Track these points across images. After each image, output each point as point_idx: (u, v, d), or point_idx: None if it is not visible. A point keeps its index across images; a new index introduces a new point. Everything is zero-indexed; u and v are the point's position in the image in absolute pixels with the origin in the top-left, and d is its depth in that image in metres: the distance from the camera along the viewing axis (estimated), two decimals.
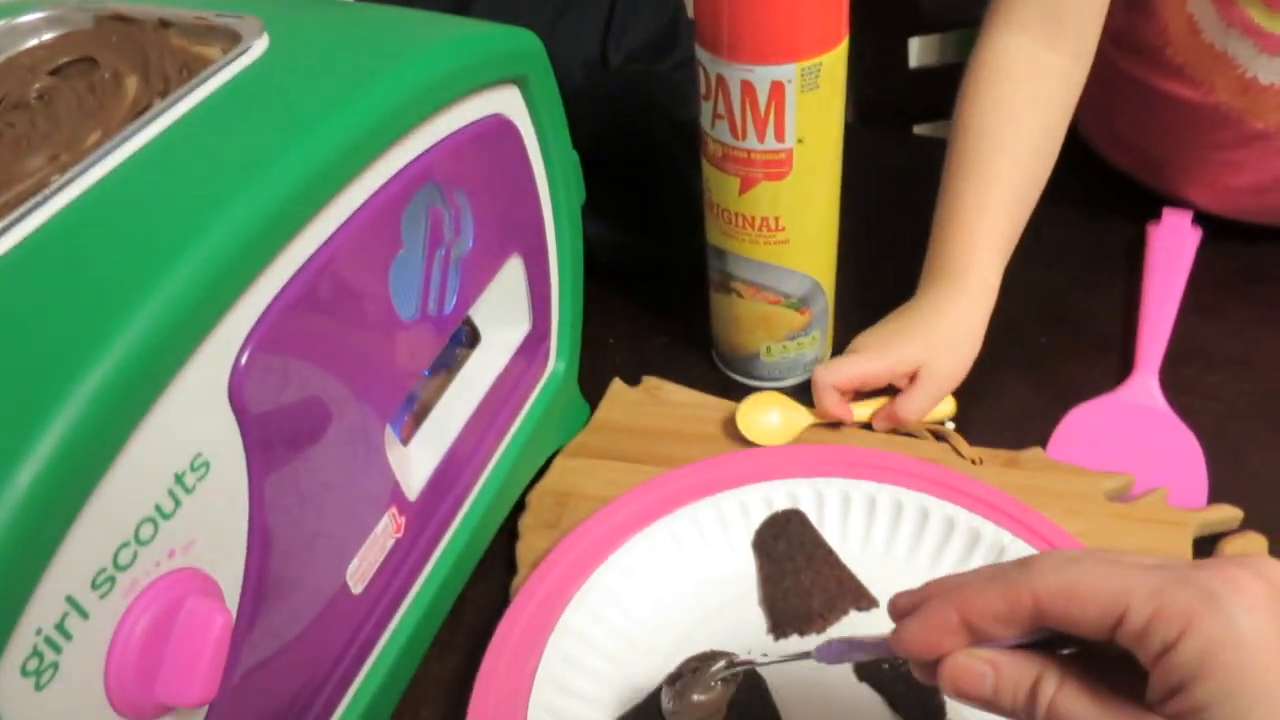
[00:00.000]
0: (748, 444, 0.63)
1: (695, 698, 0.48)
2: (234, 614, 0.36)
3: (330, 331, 0.39)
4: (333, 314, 0.39)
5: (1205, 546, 0.56)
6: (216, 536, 0.35)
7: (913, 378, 0.61)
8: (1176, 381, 0.66)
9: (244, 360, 0.35)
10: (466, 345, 0.56)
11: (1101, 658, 0.30)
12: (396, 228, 0.42)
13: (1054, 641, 0.32)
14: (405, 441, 0.50)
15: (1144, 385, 0.65)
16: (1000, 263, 0.63)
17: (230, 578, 0.36)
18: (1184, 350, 0.68)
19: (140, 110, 0.39)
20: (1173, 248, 0.73)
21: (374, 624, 0.47)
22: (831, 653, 0.40)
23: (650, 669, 0.52)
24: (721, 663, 0.47)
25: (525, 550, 0.59)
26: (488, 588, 0.59)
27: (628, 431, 0.66)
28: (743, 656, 0.46)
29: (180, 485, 0.33)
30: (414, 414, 0.52)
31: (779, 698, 0.50)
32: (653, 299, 0.78)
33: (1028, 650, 0.31)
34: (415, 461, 0.49)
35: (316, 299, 0.38)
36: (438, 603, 0.52)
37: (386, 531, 0.46)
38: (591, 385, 0.69)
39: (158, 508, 0.32)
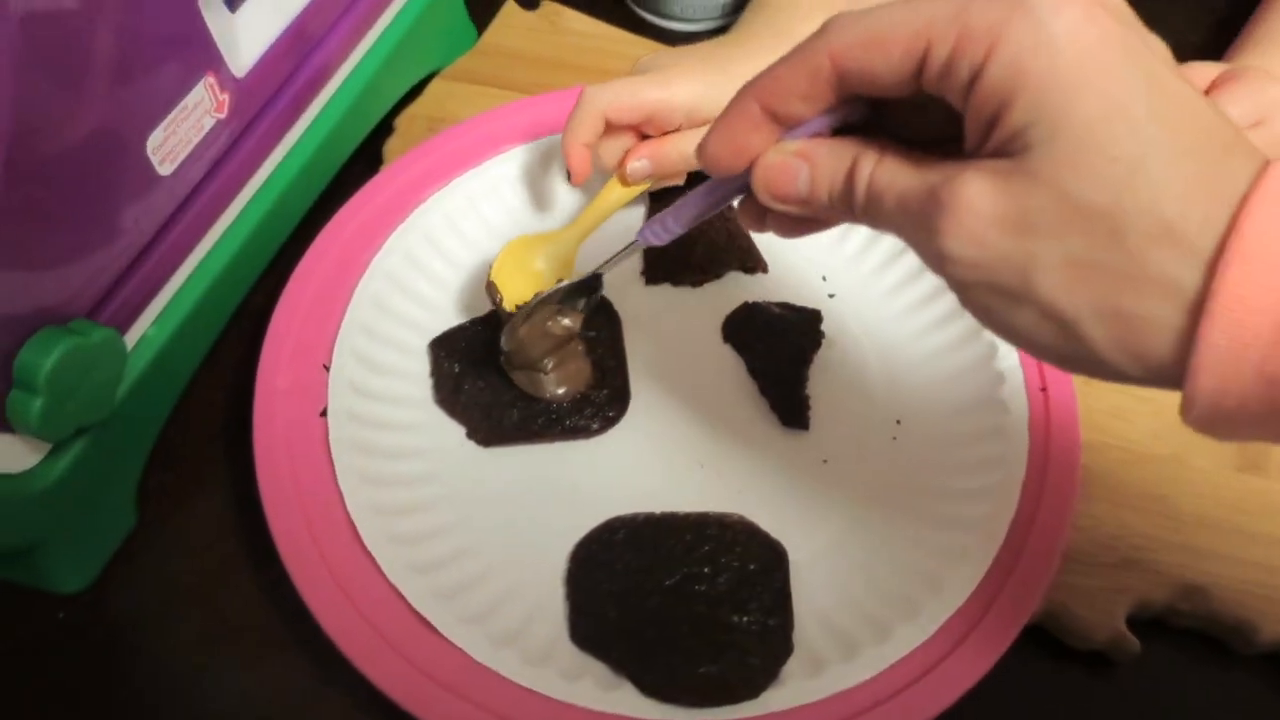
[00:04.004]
0: None
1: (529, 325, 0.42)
2: None
3: None
4: None
5: None
6: None
7: None
8: None
9: None
10: None
11: (919, 144, 0.26)
12: None
13: (867, 130, 0.27)
14: (234, 7, 0.41)
15: None
16: None
17: None
18: None
19: None
20: None
21: (195, 216, 0.40)
22: (656, 230, 0.34)
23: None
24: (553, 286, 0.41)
25: None
26: None
27: (518, 59, 0.58)
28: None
29: None
30: None
31: (635, 360, 0.45)
32: None
33: (842, 138, 0.27)
34: (244, 32, 0.40)
35: None
36: (281, 212, 0.45)
37: (202, 106, 0.38)
38: (483, 6, 0.60)
39: None
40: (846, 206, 0.27)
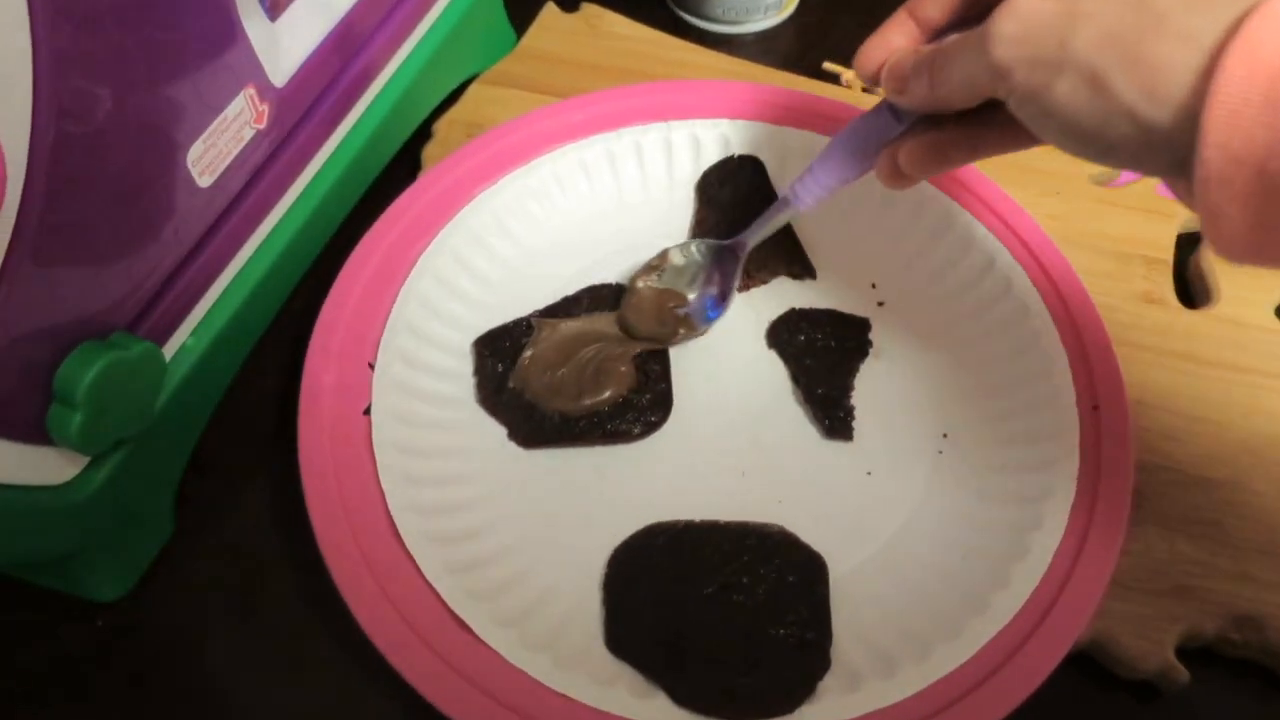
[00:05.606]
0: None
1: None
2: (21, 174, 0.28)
3: None
4: None
5: (1189, 244, 0.50)
6: None
7: None
8: None
9: None
10: None
11: None
12: None
13: None
14: (274, 16, 0.40)
15: None
16: None
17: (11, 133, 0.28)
18: None
19: None
20: None
21: (234, 226, 0.39)
22: (809, 186, 0.40)
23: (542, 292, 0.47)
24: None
25: None
26: None
27: (558, 63, 0.57)
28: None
29: None
30: None
31: (679, 365, 0.44)
32: None
33: None
34: (284, 42, 0.40)
35: None
36: (319, 220, 0.45)
37: (242, 118, 0.37)
38: (522, 9, 0.59)
39: None
40: (933, 77, 0.32)
